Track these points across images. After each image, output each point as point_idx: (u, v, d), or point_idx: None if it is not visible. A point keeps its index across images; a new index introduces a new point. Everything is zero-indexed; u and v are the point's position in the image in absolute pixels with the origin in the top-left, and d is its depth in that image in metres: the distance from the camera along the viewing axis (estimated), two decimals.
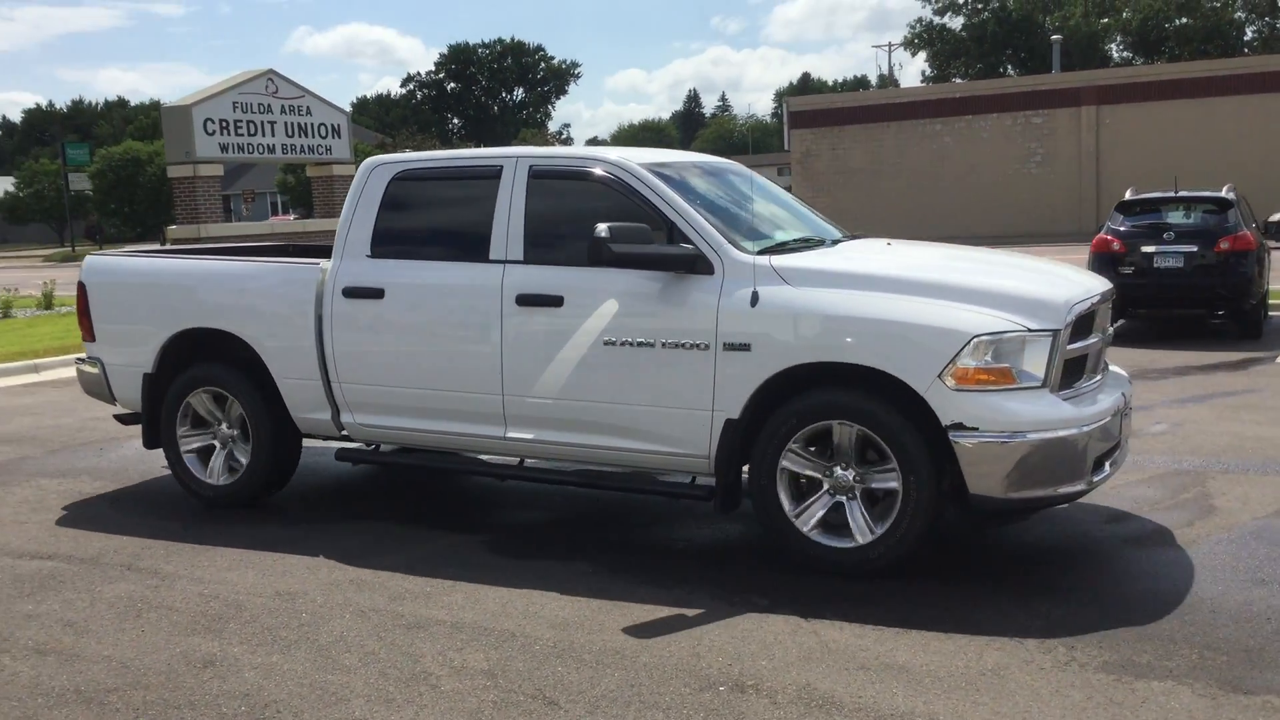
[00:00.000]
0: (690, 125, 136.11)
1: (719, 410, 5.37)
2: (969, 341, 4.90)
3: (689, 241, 5.48)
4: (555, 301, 5.71)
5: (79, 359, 7.55)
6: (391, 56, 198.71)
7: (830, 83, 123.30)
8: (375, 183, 6.39)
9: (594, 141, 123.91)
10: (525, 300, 5.78)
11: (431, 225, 6.38)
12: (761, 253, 5.51)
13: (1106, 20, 61.94)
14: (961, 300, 5.08)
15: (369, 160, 6.58)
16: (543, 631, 4.75)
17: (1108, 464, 5.28)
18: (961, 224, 32.98)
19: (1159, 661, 4.26)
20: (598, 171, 5.84)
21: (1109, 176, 33.13)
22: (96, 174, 49.86)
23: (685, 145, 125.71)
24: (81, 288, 7.27)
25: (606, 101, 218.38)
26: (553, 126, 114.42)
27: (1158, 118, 33.28)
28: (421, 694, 4.19)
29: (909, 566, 5.28)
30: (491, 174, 6.06)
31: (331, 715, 4.04)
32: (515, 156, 6.06)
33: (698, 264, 5.43)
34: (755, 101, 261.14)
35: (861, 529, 5.20)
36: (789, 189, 44.30)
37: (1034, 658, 4.33)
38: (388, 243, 6.28)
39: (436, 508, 6.85)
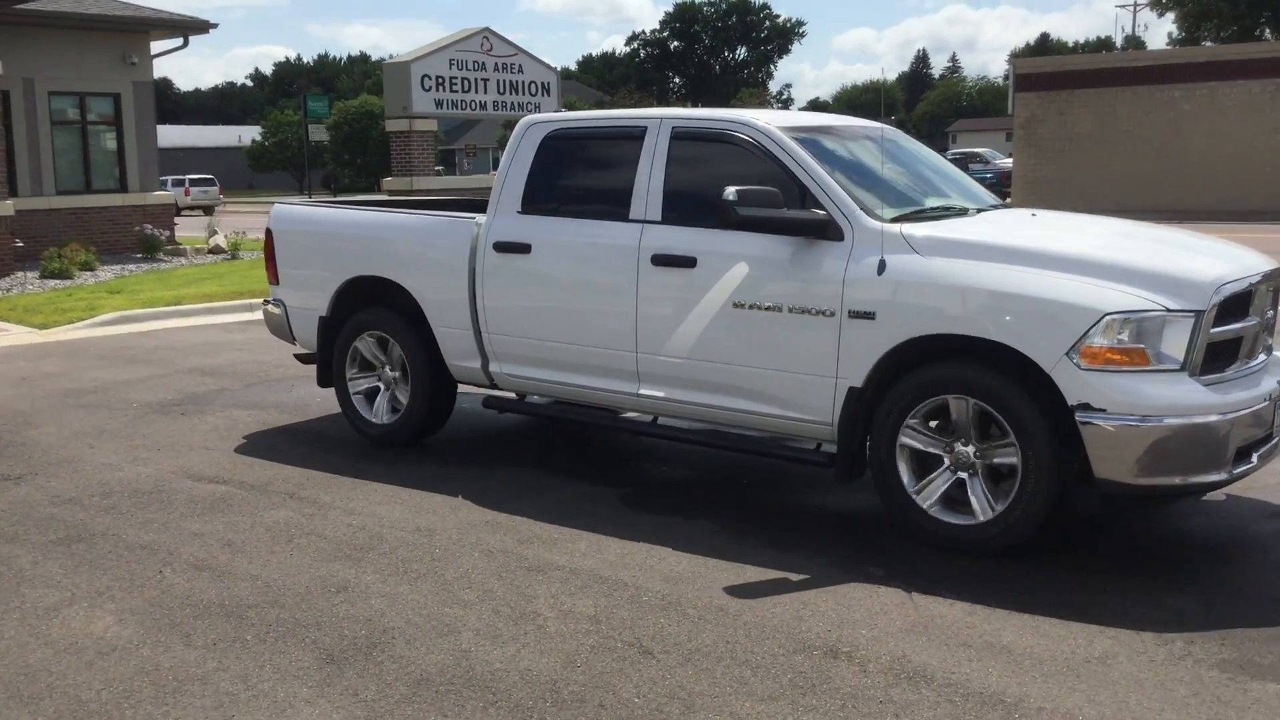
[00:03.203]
0: (916, 86, 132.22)
1: (842, 378, 5.33)
2: (1101, 319, 4.69)
3: (821, 206, 5.43)
4: (688, 262, 5.77)
5: (266, 301, 8.05)
6: (620, 14, 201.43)
7: (1071, 44, 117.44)
8: (529, 141, 6.57)
9: (815, 103, 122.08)
10: (660, 260, 5.86)
11: (578, 184, 6.51)
12: (895, 220, 5.40)
13: None
14: (1098, 276, 4.86)
15: (525, 119, 6.73)
16: (654, 584, 4.87)
17: (1255, 454, 4.91)
18: (1198, 198, 30.98)
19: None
20: (737, 134, 5.82)
21: None
22: (334, 126, 52.71)
23: (910, 108, 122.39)
24: (269, 234, 7.75)
25: (832, 61, 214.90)
26: (774, 87, 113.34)
27: None
28: (526, 632, 4.38)
29: (1039, 550, 5.12)
30: (636, 134, 6.14)
31: (441, 645, 4.27)
32: (659, 118, 6.13)
33: (828, 229, 5.39)
34: (989, 63, 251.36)
35: (982, 506, 5.08)
36: (1009, 156, 42.28)
37: (1147, 649, 4.16)
38: (537, 199, 6.46)
39: (580, 459, 7.05)
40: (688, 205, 5.91)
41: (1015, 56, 72.61)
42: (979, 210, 6.08)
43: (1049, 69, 37.67)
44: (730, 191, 5.34)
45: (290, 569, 5.08)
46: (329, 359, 7.46)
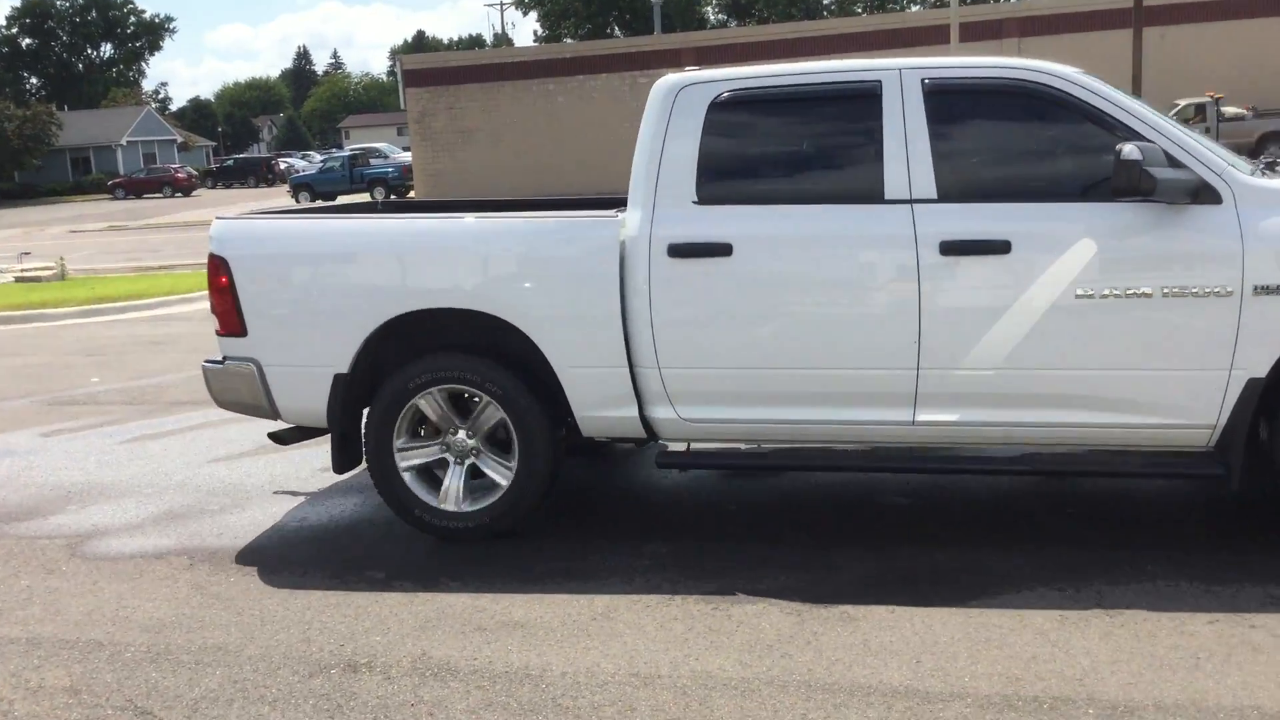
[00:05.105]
0: (302, 83, 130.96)
1: (1239, 369, 4.51)
2: None
3: (1179, 164, 4.55)
4: (1000, 247, 4.64)
5: (210, 361, 5.61)
6: None
7: (446, 41, 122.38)
8: (686, 109, 5.03)
9: (197, 101, 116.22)
10: (954, 248, 4.67)
11: (785, 161, 5.15)
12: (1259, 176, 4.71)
13: None
14: None
15: (669, 80, 5.12)
16: (135, 636, 4.38)
17: None
18: (579, 182, 33.75)
19: (751, 585, 4.55)
20: (1029, 83, 4.76)
21: None
22: None
23: (297, 105, 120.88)
24: (220, 265, 5.37)
25: (209, 58, 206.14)
26: (148, 85, 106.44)
27: None
28: None
29: (527, 525, 5.32)
30: (865, 93, 4.89)
31: None
32: (898, 69, 4.88)
33: (1201, 193, 4.53)
34: (370, 59, 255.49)
35: None
36: (407, 149, 43.20)
37: (641, 597, 4.49)
38: (722, 185, 4.99)
39: (8, 501, 6.14)
40: (975, 176, 4.86)
41: (397, 53, 74.37)
42: (1271, 161, 5.39)
43: (436, 65, 39.09)
44: (1132, 149, 4.36)
45: None
46: (349, 433, 5.43)
